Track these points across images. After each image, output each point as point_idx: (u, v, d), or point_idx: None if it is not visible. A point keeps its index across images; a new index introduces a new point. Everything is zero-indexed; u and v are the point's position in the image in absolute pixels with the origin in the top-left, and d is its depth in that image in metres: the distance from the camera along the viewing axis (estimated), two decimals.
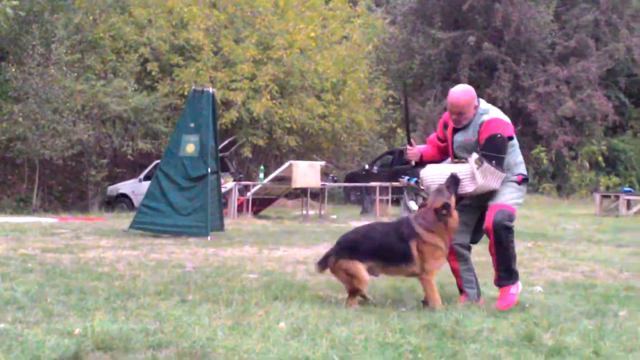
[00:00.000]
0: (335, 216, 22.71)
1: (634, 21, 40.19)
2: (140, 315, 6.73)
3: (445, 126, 7.89)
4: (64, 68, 26.08)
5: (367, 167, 31.24)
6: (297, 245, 13.93)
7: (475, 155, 7.44)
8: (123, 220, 18.92)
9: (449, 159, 7.96)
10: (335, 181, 28.50)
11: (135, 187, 26.76)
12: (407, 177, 24.10)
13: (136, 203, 23.48)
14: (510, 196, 7.58)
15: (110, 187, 28.05)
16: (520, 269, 7.95)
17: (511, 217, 7.49)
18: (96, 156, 27.48)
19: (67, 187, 29.37)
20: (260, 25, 29.56)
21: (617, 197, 24.74)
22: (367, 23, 37.58)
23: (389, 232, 7.59)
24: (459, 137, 7.70)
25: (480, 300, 7.81)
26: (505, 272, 7.56)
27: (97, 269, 9.90)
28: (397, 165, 29.84)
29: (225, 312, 6.92)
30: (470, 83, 37.17)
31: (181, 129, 15.86)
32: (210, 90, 16.10)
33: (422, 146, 8.27)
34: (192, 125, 15.66)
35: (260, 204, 23.47)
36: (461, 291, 7.92)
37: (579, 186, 36.50)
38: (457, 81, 38.10)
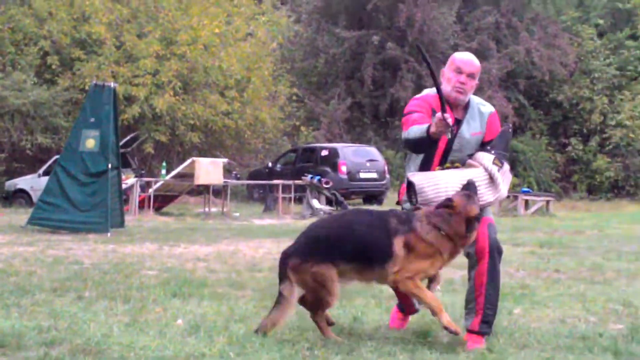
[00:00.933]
0: (237, 214, 22.65)
1: (533, 24, 40.96)
2: (34, 312, 6.65)
3: (434, 112, 6.02)
4: None
5: (270, 164, 31.21)
6: (198, 242, 13.87)
7: (488, 155, 5.98)
8: (21, 215, 18.59)
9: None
10: (238, 178, 28.43)
11: (34, 183, 26.19)
12: (310, 176, 24.28)
13: (35, 198, 23.05)
14: (489, 209, 6.26)
15: (8, 182, 27.44)
16: None
17: None
18: None
19: None
20: (163, 20, 29.31)
21: (516, 197, 25.17)
22: (272, 21, 37.50)
23: (372, 223, 5.83)
24: (466, 132, 6.15)
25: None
26: (491, 314, 5.99)
27: None
28: (300, 163, 29.89)
29: (122, 309, 6.86)
30: (374, 82, 37.68)
31: (81, 123, 15.70)
32: (112, 85, 15.97)
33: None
34: (92, 120, 15.50)
35: (162, 201, 23.29)
36: (403, 310, 6.56)
37: None
38: (361, 80, 38.46)
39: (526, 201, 24.84)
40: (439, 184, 5.85)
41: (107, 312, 6.71)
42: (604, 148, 39.61)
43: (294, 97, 37.83)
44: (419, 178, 5.95)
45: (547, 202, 25.36)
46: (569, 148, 40.44)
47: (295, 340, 5.80)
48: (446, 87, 6.19)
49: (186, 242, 13.63)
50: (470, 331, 5.94)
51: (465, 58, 6.25)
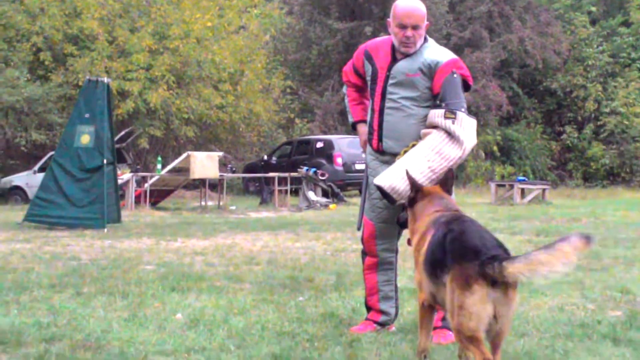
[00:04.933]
0: (234, 207, 22.63)
1: (525, 13, 40.93)
2: (33, 308, 6.63)
3: (362, 69, 6.18)
4: None
5: (265, 157, 31.19)
6: (195, 236, 13.84)
7: (437, 111, 5.66)
8: (17, 212, 18.55)
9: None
10: (233, 172, 28.43)
11: (29, 179, 26.19)
12: (305, 168, 24.28)
13: (30, 195, 23.04)
14: None
15: (4, 179, 27.41)
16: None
17: None
18: None
19: None
20: (155, 15, 29.26)
21: (512, 186, 25.13)
22: (264, 13, 37.49)
23: None
24: (403, 68, 5.91)
25: (392, 325, 6.10)
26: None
27: None
28: (295, 155, 29.88)
29: (121, 304, 6.85)
30: None
31: (76, 119, 15.66)
32: (105, 80, 15.93)
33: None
34: (87, 115, 15.48)
35: (158, 195, 23.25)
36: (369, 309, 6.14)
37: (474, 175, 37.00)
38: None
39: (522, 190, 24.81)
40: (404, 174, 5.43)
41: (106, 307, 6.70)
42: (598, 135, 39.63)
43: (288, 90, 37.85)
44: (384, 180, 5.67)
45: (543, 190, 25.35)
46: (564, 136, 40.48)
47: (295, 333, 5.80)
48: (394, 40, 6.04)
49: (183, 237, 13.61)
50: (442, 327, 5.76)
51: (407, 9, 6.07)
